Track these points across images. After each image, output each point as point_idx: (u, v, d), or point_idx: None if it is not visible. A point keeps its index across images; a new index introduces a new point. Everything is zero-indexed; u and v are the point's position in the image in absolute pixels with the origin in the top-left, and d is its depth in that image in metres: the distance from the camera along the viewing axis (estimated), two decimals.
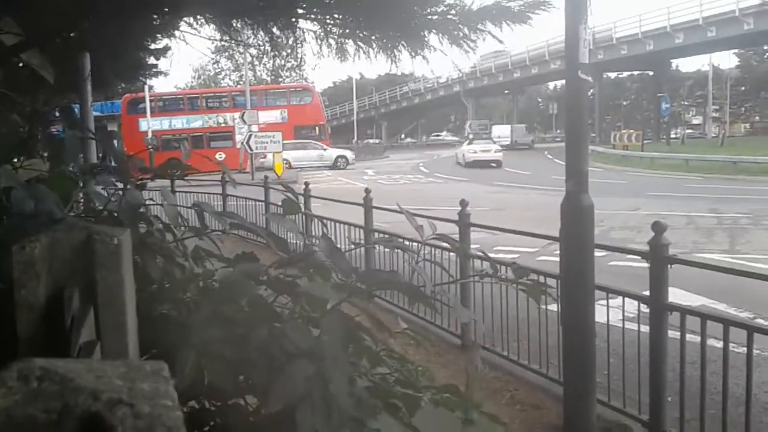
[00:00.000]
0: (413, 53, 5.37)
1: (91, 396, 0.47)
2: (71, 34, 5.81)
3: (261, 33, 5.66)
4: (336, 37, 5.42)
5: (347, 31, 5.33)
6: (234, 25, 5.52)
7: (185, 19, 5.66)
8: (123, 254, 0.99)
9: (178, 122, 42.10)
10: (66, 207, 1.41)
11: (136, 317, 1.04)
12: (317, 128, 43.98)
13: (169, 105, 43.31)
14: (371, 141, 70.14)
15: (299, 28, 5.54)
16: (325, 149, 42.75)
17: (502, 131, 60.90)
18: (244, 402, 1.48)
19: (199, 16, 5.51)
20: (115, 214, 1.50)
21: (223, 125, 41.27)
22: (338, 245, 1.74)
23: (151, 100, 40.99)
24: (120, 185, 1.54)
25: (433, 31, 5.12)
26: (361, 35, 5.28)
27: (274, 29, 5.48)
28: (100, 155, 5.07)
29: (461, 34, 5.12)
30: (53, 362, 0.51)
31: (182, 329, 1.35)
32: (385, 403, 1.58)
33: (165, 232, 1.62)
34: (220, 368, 1.34)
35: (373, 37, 5.26)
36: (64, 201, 1.36)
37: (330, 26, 5.41)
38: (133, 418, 0.46)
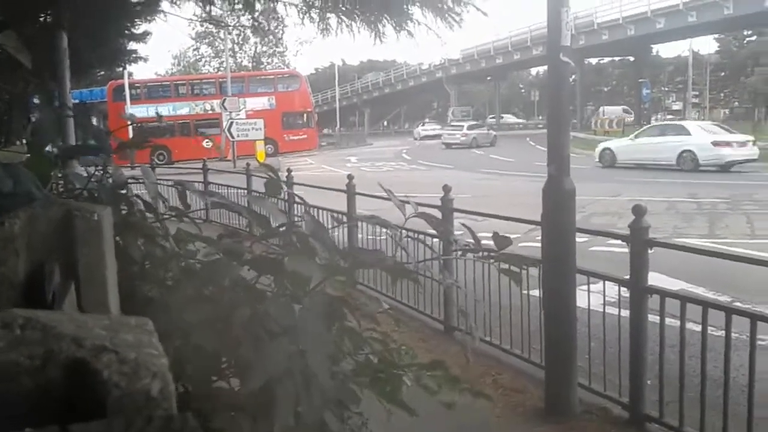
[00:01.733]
0: (397, 27, 5.32)
1: (74, 343, 0.47)
2: (47, 17, 5.70)
3: (242, 15, 5.60)
4: (318, 10, 5.38)
5: (329, 4, 5.29)
6: (214, 1, 5.45)
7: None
8: (104, 230, 0.98)
9: (164, 109, 41.32)
10: (45, 187, 1.39)
11: (117, 294, 1.03)
12: (305, 115, 43.67)
13: (155, 91, 42.64)
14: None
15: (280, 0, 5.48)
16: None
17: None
18: (228, 384, 1.47)
19: None
20: (95, 195, 1.48)
21: (210, 112, 40.64)
22: None
23: (137, 87, 40.36)
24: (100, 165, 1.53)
25: (416, 4, 5.08)
26: (343, 8, 5.24)
27: (256, 5, 5.41)
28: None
29: (445, 7, 5.09)
30: (35, 312, 0.51)
31: (164, 310, 1.34)
32: (371, 378, 1.58)
33: (146, 213, 1.60)
34: (202, 349, 1.33)
35: (356, 11, 5.22)
36: (43, 182, 1.34)
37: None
38: (118, 363, 0.46)
